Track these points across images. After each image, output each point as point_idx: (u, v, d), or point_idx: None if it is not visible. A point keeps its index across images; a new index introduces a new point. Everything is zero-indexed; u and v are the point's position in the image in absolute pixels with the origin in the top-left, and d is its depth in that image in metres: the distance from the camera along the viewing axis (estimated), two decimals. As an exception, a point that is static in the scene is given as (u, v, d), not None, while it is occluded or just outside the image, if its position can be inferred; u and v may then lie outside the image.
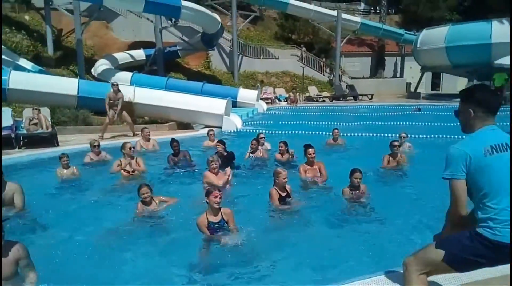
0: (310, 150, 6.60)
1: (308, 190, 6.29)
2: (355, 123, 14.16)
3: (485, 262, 2.37)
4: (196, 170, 7.75)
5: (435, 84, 33.71)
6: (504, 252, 2.24)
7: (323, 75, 29.90)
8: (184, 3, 19.23)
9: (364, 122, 14.44)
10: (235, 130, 12.61)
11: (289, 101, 22.27)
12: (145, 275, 3.92)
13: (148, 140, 9.48)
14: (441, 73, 31.73)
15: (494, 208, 2.27)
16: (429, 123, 13.80)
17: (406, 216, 5.26)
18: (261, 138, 8.92)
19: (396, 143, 7.62)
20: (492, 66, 21.41)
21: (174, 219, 5.19)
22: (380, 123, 14.16)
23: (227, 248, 4.21)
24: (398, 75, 34.00)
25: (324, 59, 31.12)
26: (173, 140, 8.13)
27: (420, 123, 13.94)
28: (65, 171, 7.08)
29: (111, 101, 11.32)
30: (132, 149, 7.36)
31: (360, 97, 25.42)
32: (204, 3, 25.77)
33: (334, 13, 28.55)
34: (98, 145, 8.19)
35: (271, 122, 14.55)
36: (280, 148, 8.24)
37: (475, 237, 2.31)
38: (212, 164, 6.28)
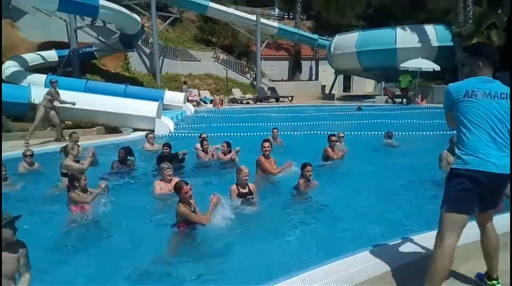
0: (265, 143, 6.95)
1: (264, 185, 6.56)
2: (287, 123, 14.75)
3: (476, 194, 2.69)
4: (139, 175, 7.63)
5: (346, 86, 36.21)
6: (480, 177, 2.62)
7: (245, 77, 30.47)
8: (102, 2, 18.35)
9: (297, 123, 15.10)
10: (168, 133, 12.43)
11: (214, 104, 22.40)
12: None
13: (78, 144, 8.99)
14: (351, 76, 34.16)
15: (468, 141, 2.71)
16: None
17: (352, 205, 5.76)
18: (204, 138, 9.04)
19: (334, 138, 8.22)
20: (397, 69, 23.62)
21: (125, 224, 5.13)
22: (309, 123, 15.02)
23: (190, 243, 4.40)
24: (313, 78, 35.93)
25: (246, 61, 31.74)
26: (123, 148, 7.91)
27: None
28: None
29: (51, 99, 10.62)
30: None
31: (281, 99, 26.41)
32: (121, 2, 24.80)
33: (253, 17, 29.29)
34: (32, 155, 7.62)
35: (203, 125, 14.57)
36: (223, 148, 8.42)
37: (453, 175, 2.73)
38: (168, 171, 6.19)
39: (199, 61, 29.80)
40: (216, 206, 4.73)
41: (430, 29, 24.24)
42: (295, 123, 14.88)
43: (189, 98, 21.98)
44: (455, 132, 2.95)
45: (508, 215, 4.28)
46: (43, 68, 20.43)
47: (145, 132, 11.96)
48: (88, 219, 5.10)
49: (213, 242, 4.52)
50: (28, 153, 7.54)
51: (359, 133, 12.01)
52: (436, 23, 25.05)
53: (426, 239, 3.69)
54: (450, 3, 29.56)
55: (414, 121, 15.22)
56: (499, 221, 3.30)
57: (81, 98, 12.38)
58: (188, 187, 4.58)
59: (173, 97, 18.26)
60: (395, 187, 6.64)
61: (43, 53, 21.75)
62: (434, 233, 3.12)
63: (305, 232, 4.90)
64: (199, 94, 24.72)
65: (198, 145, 8.95)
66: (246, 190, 5.59)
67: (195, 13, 34.41)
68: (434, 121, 14.72)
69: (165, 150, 8.07)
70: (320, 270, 3.22)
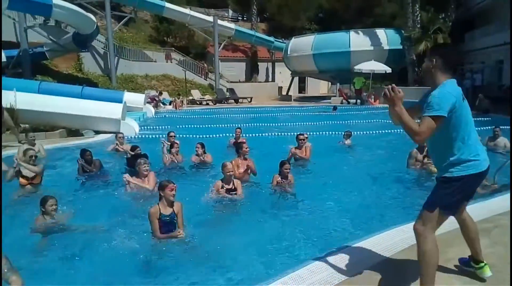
0: (244, 144, 7.08)
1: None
2: (249, 124, 14.95)
3: (471, 195, 2.94)
4: (107, 178, 7.54)
5: (301, 87, 37.12)
6: (480, 178, 2.83)
7: (203, 79, 30.39)
8: (56, 1, 17.70)
9: (258, 124, 15.31)
10: (134, 135, 12.24)
11: (174, 105, 22.20)
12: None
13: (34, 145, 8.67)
14: (306, 77, 35.06)
15: (473, 144, 2.79)
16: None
17: (325, 201, 5.97)
18: (172, 136, 9.10)
19: (301, 137, 8.49)
20: (351, 71, 24.64)
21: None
22: (273, 124, 15.33)
23: (173, 242, 4.36)
24: (270, 79, 36.50)
25: (204, 63, 31.66)
26: (84, 150, 7.75)
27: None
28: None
29: None
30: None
31: (240, 100, 26.62)
32: (73, 1, 23.93)
33: (210, 18, 29.33)
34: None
35: (168, 126, 14.42)
36: (197, 149, 8.45)
37: (455, 180, 2.77)
38: (145, 166, 6.20)
39: (155, 61, 29.38)
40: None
41: (381, 33, 25.51)
42: (260, 124, 15.10)
43: (148, 99, 21.63)
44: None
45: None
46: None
47: (109, 135, 11.87)
48: (62, 223, 4.95)
49: (192, 239, 4.52)
50: None
51: (321, 133, 12.41)
52: (386, 27, 26.42)
53: (402, 231, 4.03)
54: (396, 8, 31.38)
55: (370, 121, 15.96)
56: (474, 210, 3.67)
57: (39, 100, 11.92)
58: (174, 185, 4.50)
59: (133, 98, 17.86)
60: (363, 183, 7.02)
61: (-11, 53, 20.51)
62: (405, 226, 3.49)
63: (286, 228, 4.98)
64: (160, 93, 24.38)
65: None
66: (230, 186, 5.73)
67: (149, 13, 33.92)
68: (387, 120, 15.62)
69: (136, 151, 8.03)
70: (306, 269, 3.35)
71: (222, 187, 5.76)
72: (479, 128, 3.51)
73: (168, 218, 4.46)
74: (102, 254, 4.29)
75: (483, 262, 3.09)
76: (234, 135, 10.33)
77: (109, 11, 24.06)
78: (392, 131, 12.16)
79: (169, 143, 8.80)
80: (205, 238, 4.59)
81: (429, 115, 2.64)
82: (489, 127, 10.39)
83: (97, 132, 12.61)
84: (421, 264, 2.82)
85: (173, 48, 31.13)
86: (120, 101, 16.61)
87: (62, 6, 18.01)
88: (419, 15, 24.15)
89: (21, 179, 6.30)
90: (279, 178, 6.36)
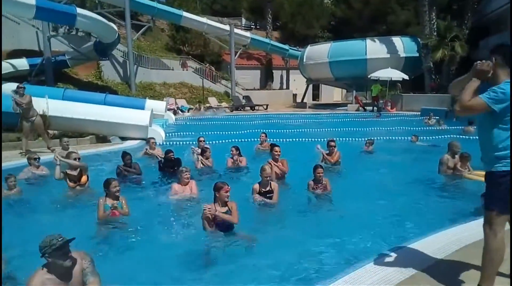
0: (276, 147, 7.37)
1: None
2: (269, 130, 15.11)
3: None
4: (144, 181, 7.75)
5: (315, 95, 37.27)
6: None
7: (219, 86, 30.73)
8: (79, 10, 18.20)
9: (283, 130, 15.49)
10: (161, 142, 12.48)
11: (194, 110, 22.59)
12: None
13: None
14: (320, 85, 35.22)
15: None
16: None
17: (363, 204, 6.10)
18: (201, 141, 9.45)
19: (333, 143, 8.67)
20: (367, 79, 24.76)
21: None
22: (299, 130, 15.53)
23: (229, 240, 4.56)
24: (284, 87, 36.74)
25: (217, 70, 32.04)
26: (125, 153, 7.98)
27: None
28: (12, 191, 6.45)
29: (23, 107, 10.16)
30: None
31: (256, 107, 26.85)
32: (93, 10, 24.46)
33: (227, 27, 29.72)
34: (38, 159, 7.61)
35: (192, 132, 14.69)
36: (232, 152, 8.67)
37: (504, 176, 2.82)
38: (186, 174, 6.41)
39: (172, 69, 29.82)
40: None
41: (397, 40, 25.63)
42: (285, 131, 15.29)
43: (167, 107, 21.94)
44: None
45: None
46: (12, 77, 19.75)
47: (137, 141, 12.15)
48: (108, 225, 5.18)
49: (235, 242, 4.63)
50: (35, 156, 7.56)
51: (346, 139, 12.56)
52: (401, 35, 26.56)
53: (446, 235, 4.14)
54: (409, 16, 31.55)
55: (390, 128, 16.03)
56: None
57: (68, 107, 12.24)
58: (228, 188, 4.76)
59: (154, 105, 18.15)
60: (396, 190, 7.13)
61: (13, 61, 21.06)
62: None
63: (330, 231, 5.06)
64: (175, 103, 24.72)
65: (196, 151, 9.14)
66: (267, 189, 5.94)
67: (165, 22, 34.46)
68: (406, 127, 15.77)
69: (170, 156, 8.23)
70: (363, 270, 3.46)
71: (260, 189, 5.95)
72: None
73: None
74: (155, 252, 4.52)
75: None
76: (259, 140, 10.58)
77: (129, 20, 24.54)
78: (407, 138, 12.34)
79: (199, 149, 9.04)
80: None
81: (485, 97, 2.80)
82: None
83: (123, 139, 12.88)
84: (484, 261, 2.94)
85: (190, 56, 31.55)
86: (142, 108, 16.99)
87: (85, 15, 18.45)
88: (435, 23, 24.23)
89: (69, 182, 6.56)
90: (313, 183, 6.52)
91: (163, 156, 8.61)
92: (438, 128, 15.49)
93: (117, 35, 21.56)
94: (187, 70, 30.27)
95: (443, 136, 12.40)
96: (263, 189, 5.97)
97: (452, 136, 12.87)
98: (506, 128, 2.84)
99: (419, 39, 24.85)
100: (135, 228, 5.19)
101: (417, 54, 24.90)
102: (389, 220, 5.43)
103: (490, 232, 2.92)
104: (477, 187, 6.05)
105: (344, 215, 5.75)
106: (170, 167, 8.00)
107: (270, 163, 7.04)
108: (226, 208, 4.75)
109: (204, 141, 9.92)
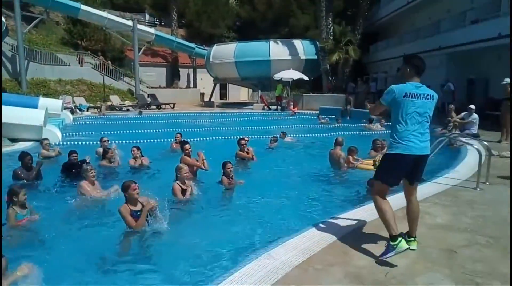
0: (186, 145, 7.47)
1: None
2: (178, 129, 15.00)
3: (402, 172, 3.65)
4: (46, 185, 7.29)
5: (223, 94, 37.66)
6: (410, 160, 3.55)
7: (122, 83, 29.44)
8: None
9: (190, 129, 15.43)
10: (58, 143, 11.68)
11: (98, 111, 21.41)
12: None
13: None
14: (227, 84, 35.70)
15: (400, 132, 3.57)
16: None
17: (272, 195, 6.55)
18: (104, 141, 9.13)
19: (243, 141, 9.00)
20: (271, 79, 25.80)
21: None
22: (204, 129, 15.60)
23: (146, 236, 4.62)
24: (191, 85, 36.51)
25: (122, 68, 30.66)
26: (24, 153, 7.43)
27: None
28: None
29: None
30: None
31: (163, 106, 26.32)
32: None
33: (130, 22, 28.60)
34: None
35: (92, 132, 13.95)
36: (133, 152, 8.52)
37: (392, 157, 3.63)
38: (92, 172, 6.21)
39: (69, 65, 27.84)
40: (150, 211, 4.71)
41: (298, 43, 27.07)
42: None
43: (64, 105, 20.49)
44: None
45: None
46: None
47: (30, 143, 11.21)
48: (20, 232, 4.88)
49: (148, 240, 4.67)
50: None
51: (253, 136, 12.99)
52: (301, 38, 28.10)
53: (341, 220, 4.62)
54: (309, 20, 33.51)
55: (293, 126, 16.98)
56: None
57: None
58: (136, 185, 4.78)
59: (49, 104, 16.83)
60: (303, 180, 7.76)
61: None
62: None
63: (234, 225, 5.31)
64: (73, 101, 23.15)
65: (100, 150, 8.91)
66: (186, 187, 5.99)
67: (61, 15, 32.04)
68: (307, 125, 16.88)
69: (73, 157, 7.84)
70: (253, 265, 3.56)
71: (180, 188, 5.98)
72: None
73: (139, 212, 4.73)
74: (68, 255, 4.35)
75: (414, 237, 3.81)
76: (175, 139, 10.50)
77: (19, 11, 22.34)
78: (311, 135, 13.25)
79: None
80: (161, 237, 4.76)
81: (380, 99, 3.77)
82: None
83: (14, 141, 11.79)
84: (380, 218, 3.73)
85: (89, 52, 29.75)
86: (35, 106, 15.65)
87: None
88: (332, 27, 26.10)
89: None
90: (225, 178, 6.75)
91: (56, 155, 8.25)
92: (336, 125, 16.73)
93: (4, 26, 19.50)
94: (82, 66, 28.41)
95: (343, 133, 13.43)
96: (184, 187, 6.02)
97: (352, 133, 14.20)
98: (396, 121, 3.62)
99: (317, 43, 26.52)
100: (48, 232, 4.92)
101: (316, 57, 26.58)
102: (288, 211, 5.83)
103: (376, 197, 3.71)
104: (365, 176, 6.85)
105: (252, 207, 6.04)
106: (73, 169, 7.61)
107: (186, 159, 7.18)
108: (140, 206, 4.74)
109: (107, 141, 9.58)
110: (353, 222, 4.55)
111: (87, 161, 7.85)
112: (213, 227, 5.26)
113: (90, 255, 4.29)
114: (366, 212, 4.88)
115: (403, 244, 3.51)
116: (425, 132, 3.63)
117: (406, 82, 3.63)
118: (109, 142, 9.69)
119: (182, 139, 9.38)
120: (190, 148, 7.54)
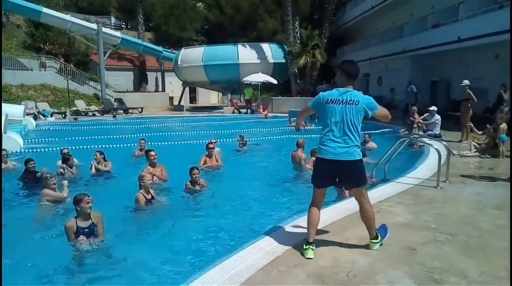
0: (151, 152, 7.36)
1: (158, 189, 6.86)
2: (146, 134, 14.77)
3: (325, 174, 3.72)
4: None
5: (192, 98, 37.33)
6: (328, 164, 3.63)
7: (87, 88, 28.72)
8: None
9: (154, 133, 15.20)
10: (19, 150, 11.26)
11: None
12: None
13: None
14: (196, 88, 35.46)
15: (321, 136, 3.68)
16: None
17: (237, 198, 6.62)
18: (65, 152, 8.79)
19: (211, 145, 8.94)
20: (240, 83, 25.83)
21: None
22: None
23: (92, 252, 4.40)
24: (160, 89, 36.03)
25: (87, 72, 29.90)
26: None
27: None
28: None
29: None
30: None
31: (130, 111, 25.85)
32: None
33: (94, 26, 27.96)
34: None
35: (55, 138, 13.53)
36: (96, 156, 8.34)
37: (316, 161, 3.85)
38: (52, 180, 6.03)
39: (31, 70, 26.94)
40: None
41: (266, 47, 27.22)
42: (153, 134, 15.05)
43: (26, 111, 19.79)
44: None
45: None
46: None
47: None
48: None
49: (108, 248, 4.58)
50: None
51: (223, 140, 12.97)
52: (269, 42, 28.29)
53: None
54: (277, 24, 33.82)
55: (261, 129, 17.04)
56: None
57: None
58: (89, 198, 4.52)
59: (9, 110, 16.21)
60: (267, 182, 7.82)
61: None
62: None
63: (200, 230, 5.27)
64: (36, 107, 22.39)
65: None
66: (149, 196, 5.87)
67: (22, 18, 30.98)
68: (276, 128, 17.00)
69: (31, 165, 7.58)
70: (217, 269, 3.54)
71: (145, 198, 5.84)
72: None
73: (87, 229, 4.47)
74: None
75: (373, 239, 3.88)
76: (139, 145, 10.29)
77: (-25, 13, 21.46)
78: (280, 137, 13.36)
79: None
80: (124, 247, 4.64)
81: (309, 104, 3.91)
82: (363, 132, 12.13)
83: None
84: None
85: (52, 56, 28.87)
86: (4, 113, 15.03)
87: None
88: (299, 31, 26.42)
89: None
90: (190, 184, 6.69)
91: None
92: (305, 128, 16.84)
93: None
94: (45, 70, 27.56)
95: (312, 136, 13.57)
96: (147, 196, 5.89)
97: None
98: (321, 126, 3.77)
99: (285, 46, 26.77)
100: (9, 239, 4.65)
101: (284, 60, 26.81)
102: (252, 213, 5.90)
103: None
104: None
105: (218, 211, 6.02)
106: (31, 178, 7.39)
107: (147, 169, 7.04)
108: (90, 221, 4.51)
109: (68, 151, 9.26)
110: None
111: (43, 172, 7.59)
112: (177, 233, 5.19)
113: (54, 261, 4.20)
114: (330, 212, 4.96)
115: (307, 252, 3.69)
116: (345, 137, 3.60)
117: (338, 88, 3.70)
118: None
119: (146, 148, 9.18)
120: (155, 155, 7.40)
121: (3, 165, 8.87)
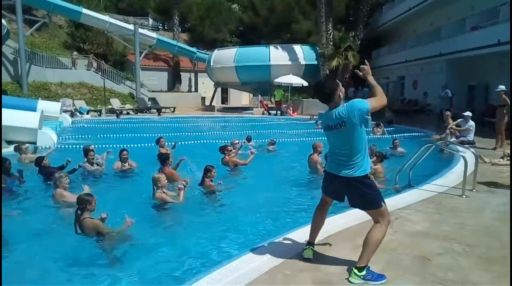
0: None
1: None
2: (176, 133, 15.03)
3: (332, 191, 3.70)
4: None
5: (224, 98, 37.69)
6: (329, 177, 3.66)
7: (123, 87, 29.56)
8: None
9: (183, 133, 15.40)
10: (53, 145, 11.72)
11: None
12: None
13: None
14: (228, 88, 35.76)
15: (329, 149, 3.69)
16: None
17: (249, 201, 6.53)
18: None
19: (229, 148, 9.00)
20: (271, 84, 25.80)
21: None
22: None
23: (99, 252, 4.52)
24: (193, 89, 36.59)
25: (122, 71, 30.78)
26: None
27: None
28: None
29: None
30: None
31: (163, 110, 26.35)
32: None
33: (131, 26, 28.77)
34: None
35: (88, 135, 14.00)
36: (123, 155, 8.48)
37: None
38: (66, 179, 6.18)
39: (70, 69, 28.03)
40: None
41: (298, 48, 27.06)
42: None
43: (64, 108, 20.60)
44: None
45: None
46: None
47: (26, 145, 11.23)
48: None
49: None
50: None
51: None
52: (302, 43, 28.11)
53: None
54: (311, 26, 33.56)
55: (289, 131, 16.91)
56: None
57: None
58: (94, 199, 4.74)
59: (48, 106, 16.94)
60: (284, 185, 7.72)
61: None
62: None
63: (210, 230, 5.22)
64: (73, 104, 23.25)
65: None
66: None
67: (64, 18, 32.29)
68: (306, 130, 16.82)
69: (40, 161, 7.73)
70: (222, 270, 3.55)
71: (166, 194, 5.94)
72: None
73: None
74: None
75: (357, 268, 3.43)
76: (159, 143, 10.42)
77: (21, 14, 22.55)
78: (308, 139, 13.21)
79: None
80: (133, 245, 4.71)
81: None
82: (393, 136, 11.89)
83: (10, 143, 11.84)
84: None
85: (91, 55, 29.91)
86: (34, 109, 15.68)
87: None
88: (332, 33, 26.11)
89: None
90: (207, 181, 6.72)
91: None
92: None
93: (6, 29, 19.67)
94: (88, 69, 28.57)
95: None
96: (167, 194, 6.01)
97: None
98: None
99: (317, 48, 26.53)
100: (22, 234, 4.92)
101: (316, 62, 26.54)
102: (265, 214, 5.80)
103: None
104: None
105: (228, 212, 6.03)
106: (47, 174, 7.43)
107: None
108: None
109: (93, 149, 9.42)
110: (329, 228, 4.50)
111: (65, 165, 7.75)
112: (186, 233, 5.19)
113: (62, 259, 4.28)
114: (347, 217, 4.86)
115: (306, 252, 3.74)
116: (340, 154, 3.49)
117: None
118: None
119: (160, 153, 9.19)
120: (170, 161, 7.51)
121: (27, 158, 9.22)
